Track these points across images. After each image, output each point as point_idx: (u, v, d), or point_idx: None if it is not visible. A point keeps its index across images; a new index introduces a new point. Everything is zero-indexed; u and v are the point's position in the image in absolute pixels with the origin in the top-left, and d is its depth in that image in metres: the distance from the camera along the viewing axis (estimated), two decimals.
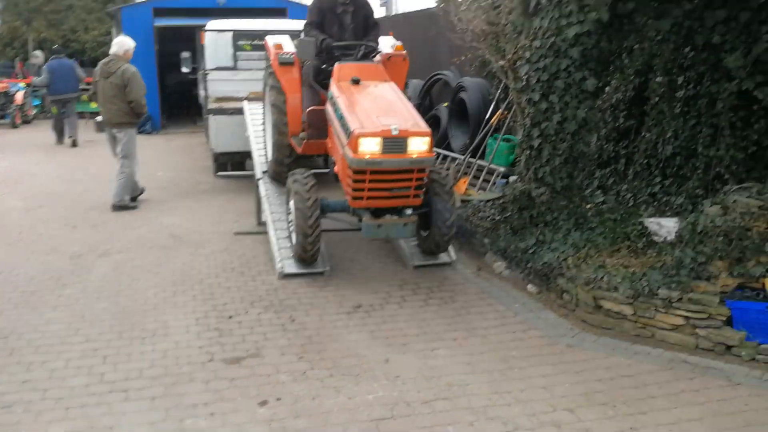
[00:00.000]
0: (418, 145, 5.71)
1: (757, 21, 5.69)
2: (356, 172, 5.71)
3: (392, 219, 5.96)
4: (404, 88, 7.09)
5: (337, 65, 6.47)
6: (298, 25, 11.68)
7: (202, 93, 10.61)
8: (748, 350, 4.74)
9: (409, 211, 6.06)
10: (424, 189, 6.10)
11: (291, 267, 6.41)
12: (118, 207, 8.97)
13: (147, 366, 4.68)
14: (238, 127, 9.78)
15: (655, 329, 5.08)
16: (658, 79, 7.01)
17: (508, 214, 6.66)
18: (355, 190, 5.82)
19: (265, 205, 7.55)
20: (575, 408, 4.16)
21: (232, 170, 10.82)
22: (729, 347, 4.81)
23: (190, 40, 14.69)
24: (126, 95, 8.84)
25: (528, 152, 6.40)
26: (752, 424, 3.97)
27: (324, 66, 6.78)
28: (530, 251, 6.11)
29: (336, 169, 6.35)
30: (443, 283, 6.21)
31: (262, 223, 7.83)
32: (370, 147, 5.61)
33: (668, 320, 5.02)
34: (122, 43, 9.13)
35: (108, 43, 19.75)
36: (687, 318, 4.95)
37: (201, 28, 11.22)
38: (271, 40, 7.67)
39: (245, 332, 5.22)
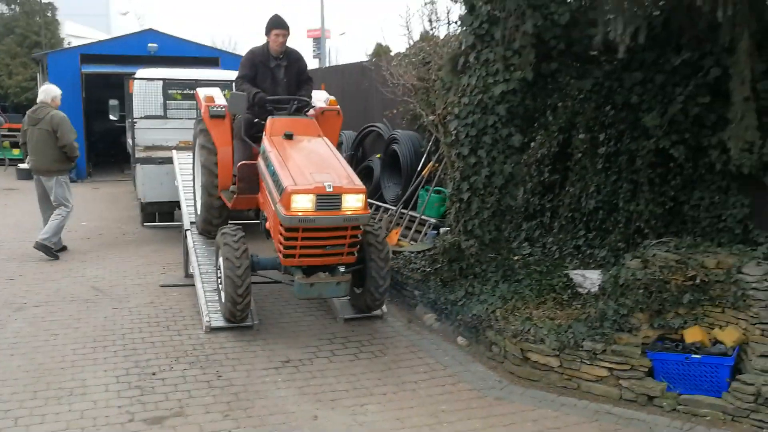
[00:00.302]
0: (353, 202, 5.63)
1: (672, 83, 6.01)
2: (288, 229, 5.58)
3: (325, 278, 5.82)
4: (338, 143, 7.12)
5: (269, 119, 6.39)
6: (231, 74, 11.75)
7: (130, 141, 10.44)
8: (669, 401, 4.86)
9: (342, 268, 5.93)
10: (358, 246, 5.99)
11: (218, 320, 6.26)
12: (41, 246, 8.72)
13: (62, 428, 4.45)
14: (167, 176, 9.64)
15: (580, 381, 5.16)
16: (581, 135, 7.29)
17: (439, 266, 6.73)
18: (286, 248, 5.68)
19: (193, 257, 7.40)
20: None
21: (160, 220, 10.60)
22: (651, 398, 4.92)
23: (119, 87, 14.48)
24: (57, 140, 8.72)
25: (457, 205, 6.51)
26: None
27: (256, 120, 6.70)
28: (460, 303, 6.16)
29: (267, 225, 6.21)
30: (374, 337, 6.18)
31: (189, 275, 7.65)
32: (303, 204, 5.51)
33: (593, 372, 5.11)
34: (49, 91, 9.08)
35: (32, 89, 19.38)
36: (611, 369, 5.05)
37: (130, 76, 11.12)
38: (202, 93, 7.57)
39: (168, 390, 5.04)
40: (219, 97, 7.38)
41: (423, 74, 9.61)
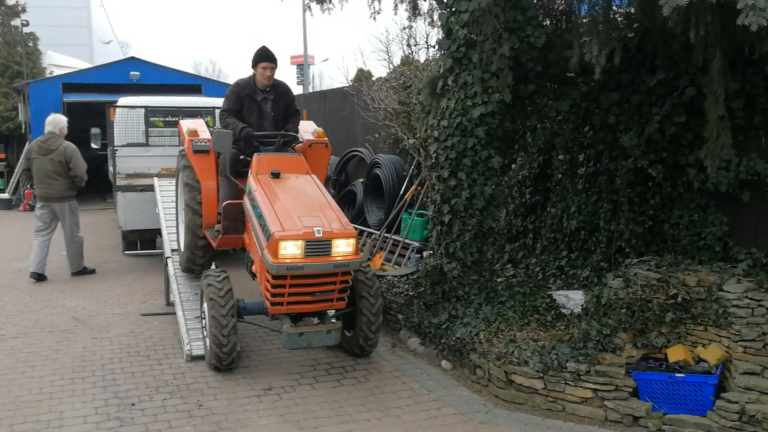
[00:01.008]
0: (343, 247, 5.42)
1: (648, 103, 6.08)
2: (276, 277, 5.33)
3: (315, 327, 5.55)
4: (326, 180, 6.87)
5: (256, 156, 6.14)
6: (213, 102, 11.77)
7: (111, 169, 10.38)
8: (654, 421, 4.83)
9: (331, 313, 5.77)
10: (348, 291, 5.75)
11: (199, 349, 6.17)
12: (77, 273, 9.41)
13: None
14: (148, 204, 9.58)
15: (565, 402, 5.12)
16: (560, 156, 7.34)
17: (422, 290, 6.70)
18: (273, 295, 5.42)
19: (174, 285, 7.33)
20: None
21: (142, 248, 10.51)
22: (636, 418, 4.90)
23: (101, 115, 14.46)
24: (70, 171, 9.10)
25: (439, 228, 6.50)
26: None
27: (242, 156, 6.45)
28: (443, 326, 6.13)
29: (254, 269, 5.98)
30: (357, 362, 6.12)
31: (170, 303, 7.57)
32: (291, 251, 5.26)
33: (577, 393, 5.08)
34: (57, 122, 9.35)
35: (14, 119, 19.28)
36: (595, 390, 5.03)
37: (112, 104, 11.09)
38: (185, 125, 7.32)
39: (148, 421, 4.95)
40: (203, 131, 7.15)
41: (404, 98, 9.68)
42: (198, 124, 7.35)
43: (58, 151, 9.05)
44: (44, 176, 9.11)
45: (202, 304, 6.01)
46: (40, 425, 4.86)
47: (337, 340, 5.68)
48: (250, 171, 6.14)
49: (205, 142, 6.88)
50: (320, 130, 7.25)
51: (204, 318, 5.92)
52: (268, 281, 5.42)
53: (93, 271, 9.58)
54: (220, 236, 6.45)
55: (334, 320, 5.78)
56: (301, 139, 6.87)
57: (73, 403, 5.24)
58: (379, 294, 6.00)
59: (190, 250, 7.12)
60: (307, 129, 7.22)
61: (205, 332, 5.93)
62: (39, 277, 9.12)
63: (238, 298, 5.90)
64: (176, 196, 7.98)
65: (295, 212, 5.53)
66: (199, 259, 7.11)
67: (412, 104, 9.32)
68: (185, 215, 7.12)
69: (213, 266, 6.33)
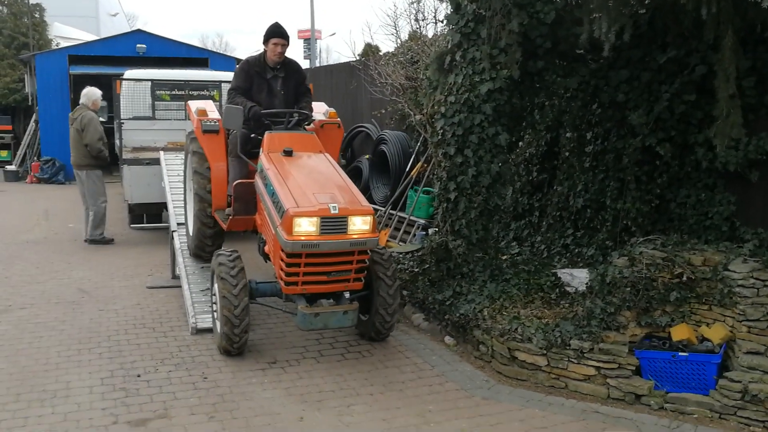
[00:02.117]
0: (360, 225, 5.24)
1: (657, 81, 6.02)
2: (290, 255, 5.15)
3: (331, 307, 5.35)
4: (339, 157, 6.72)
5: (267, 134, 5.98)
6: (220, 75, 11.72)
7: (117, 142, 10.38)
8: (656, 399, 4.85)
9: (347, 295, 5.55)
10: (365, 272, 5.58)
11: (205, 322, 6.21)
12: (92, 241, 9.72)
13: (44, 431, 4.39)
14: (155, 177, 9.58)
15: (568, 380, 5.14)
16: (568, 134, 7.29)
17: (427, 266, 6.70)
18: (288, 275, 5.24)
19: (180, 258, 7.35)
20: None
21: (148, 222, 10.54)
22: (639, 396, 4.91)
23: (107, 88, 14.44)
24: (82, 139, 9.52)
25: (445, 205, 6.49)
26: None
27: (252, 135, 6.26)
28: (447, 303, 6.14)
29: (266, 249, 5.81)
30: (361, 336, 6.14)
31: (176, 277, 7.61)
32: (306, 228, 5.09)
33: (580, 371, 5.09)
34: (90, 95, 9.82)
35: (20, 90, 19.24)
36: (598, 368, 5.04)
37: (119, 77, 11.06)
38: (193, 105, 7.13)
39: (153, 392, 5.00)
40: (212, 111, 6.98)
41: (411, 73, 9.62)
42: (207, 104, 7.18)
43: (77, 120, 9.54)
44: (70, 144, 9.77)
45: (213, 284, 5.81)
46: (46, 395, 4.91)
47: (354, 321, 5.49)
48: (261, 150, 5.99)
49: (215, 122, 6.71)
50: (332, 110, 7.09)
51: (214, 299, 5.75)
52: (282, 260, 5.24)
53: (111, 241, 9.83)
54: (230, 218, 6.30)
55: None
56: (313, 119, 6.70)
57: (79, 374, 5.28)
58: (396, 275, 5.82)
59: (199, 239, 7.01)
60: (319, 110, 7.02)
61: (215, 315, 5.74)
62: (93, 242, 9.69)
63: (251, 279, 5.67)
64: (184, 179, 7.84)
65: (310, 189, 5.35)
66: (208, 247, 6.98)
67: (420, 80, 9.26)
68: (194, 204, 6.98)
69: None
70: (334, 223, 5.16)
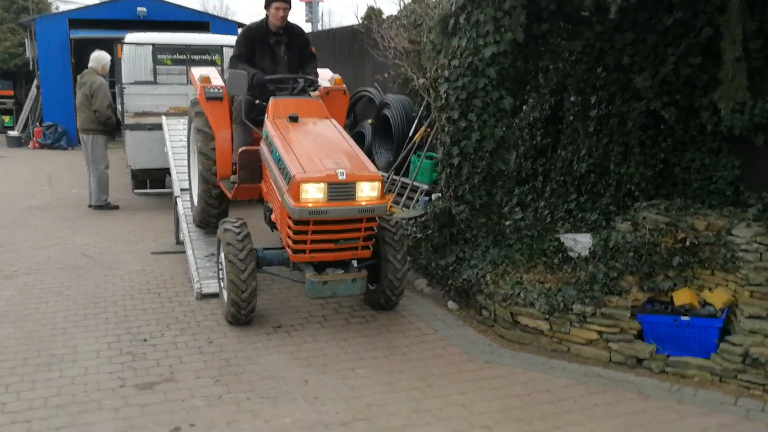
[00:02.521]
0: (368, 191, 5.16)
1: (663, 43, 5.94)
2: (297, 222, 5.10)
3: (340, 275, 5.31)
4: (345, 124, 6.60)
5: (272, 100, 5.90)
6: (221, 39, 11.60)
7: (119, 107, 10.33)
8: (657, 363, 4.89)
9: (355, 263, 5.49)
10: (373, 240, 5.50)
11: (209, 287, 6.25)
12: (97, 207, 9.79)
13: (53, 394, 4.46)
14: (157, 142, 9.56)
15: (570, 344, 5.18)
16: (572, 98, 7.23)
17: (430, 232, 6.70)
18: (296, 242, 5.20)
19: (183, 224, 7.37)
20: (493, 425, 4.18)
21: (151, 187, 10.54)
22: (640, 360, 4.95)
23: (109, 52, 14.36)
24: (91, 105, 9.58)
25: (448, 170, 6.46)
26: None
27: (257, 101, 6.18)
28: (450, 268, 6.16)
29: (273, 217, 5.73)
30: (365, 302, 6.16)
31: (180, 242, 7.64)
32: (313, 194, 5.02)
33: (582, 335, 5.13)
34: (99, 59, 9.91)
35: (21, 55, 19.10)
36: (600, 332, 5.07)
37: (120, 41, 10.96)
38: (196, 72, 6.98)
39: (159, 356, 5.05)
40: (215, 77, 6.86)
41: (414, 37, 9.51)
42: (210, 71, 7.06)
43: (86, 84, 9.62)
44: (77, 108, 9.89)
45: (219, 253, 5.76)
46: (54, 359, 4.97)
47: (363, 289, 5.43)
48: (266, 116, 5.92)
49: (218, 89, 6.60)
50: (338, 77, 6.99)
51: (221, 267, 5.69)
52: (289, 227, 5.18)
53: (116, 207, 9.86)
54: (236, 186, 6.20)
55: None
56: (319, 85, 6.59)
57: (86, 338, 5.34)
58: (403, 240, 5.76)
59: (204, 201, 6.86)
60: (324, 76, 6.92)
61: (222, 283, 5.68)
62: (98, 207, 9.77)
63: (257, 247, 5.64)
64: (188, 146, 7.74)
65: (316, 155, 5.27)
66: (214, 209, 6.85)
67: (423, 43, 9.15)
68: (198, 163, 6.86)
69: None
70: (341, 190, 5.09)
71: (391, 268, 5.66)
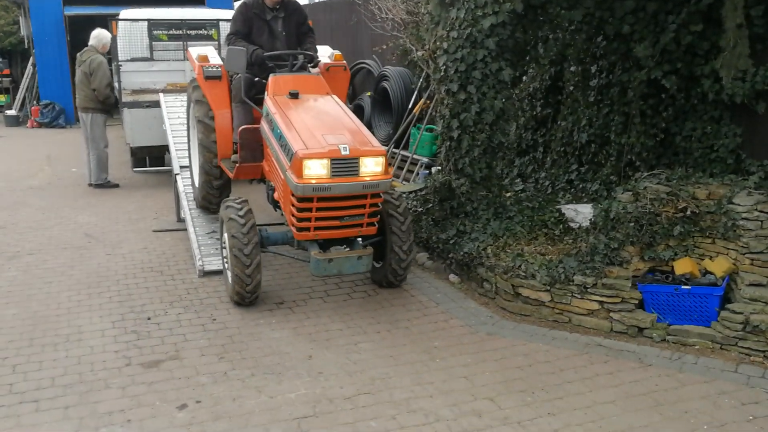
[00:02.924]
0: (372, 167, 5.09)
1: (664, 12, 5.88)
2: (301, 200, 5.03)
3: (345, 252, 5.25)
4: (346, 101, 6.53)
5: (272, 77, 5.82)
6: (217, 13, 11.49)
7: (116, 85, 10.26)
8: (658, 332, 4.92)
9: (359, 241, 5.45)
10: (378, 216, 5.45)
11: (212, 264, 6.27)
12: (97, 186, 9.78)
13: (60, 374, 4.50)
14: (155, 120, 9.51)
15: (571, 314, 5.21)
16: (572, 68, 7.18)
17: (430, 206, 6.70)
18: (300, 220, 5.13)
19: (184, 201, 7.37)
20: (495, 396, 4.22)
21: (151, 165, 10.53)
22: (641, 329, 4.99)
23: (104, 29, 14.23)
24: (90, 83, 9.55)
25: (448, 143, 6.44)
26: (662, 404, 4.12)
27: (257, 79, 6.11)
28: (451, 242, 6.17)
29: (276, 195, 5.67)
30: (366, 276, 6.19)
31: (181, 220, 7.65)
32: (316, 170, 4.95)
33: (584, 305, 5.16)
34: (100, 37, 9.86)
35: (15, 33, 18.94)
36: (601, 303, 5.10)
37: (114, 17, 10.85)
38: (194, 52, 6.85)
39: (164, 334, 5.09)
40: (213, 56, 6.72)
41: (412, 8, 9.41)
42: (208, 50, 6.93)
43: (86, 62, 9.59)
44: (76, 86, 9.87)
45: (221, 235, 5.73)
46: (59, 339, 5.01)
47: (369, 266, 5.36)
48: (266, 93, 5.84)
49: (217, 68, 6.48)
50: (338, 53, 6.89)
51: (224, 253, 5.64)
52: (293, 205, 5.11)
53: (116, 186, 9.87)
54: (237, 166, 6.14)
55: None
56: (319, 60, 6.52)
57: (90, 317, 5.37)
58: (408, 212, 5.70)
59: (206, 190, 6.83)
60: (324, 53, 6.85)
61: (226, 264, 5.63)
62: (99, 186, 9.76)
63: (261, 227, 5.60)
64: (188, 130, 7.65)
65: (318, 131, 5.20)
66: (215, 198, 6.80)
67: (421, 14, 9.06)
68: (199, 154, 6.78)
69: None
70: (345, 165, 5.01)
71: (396, 240, 5.60)
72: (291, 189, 5.06)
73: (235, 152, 6.22)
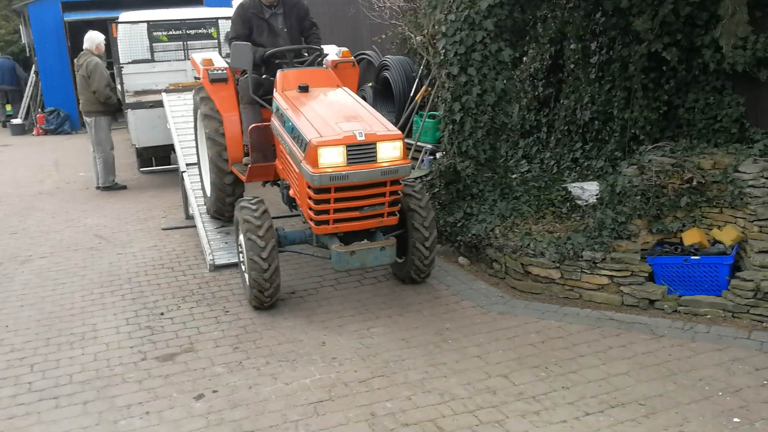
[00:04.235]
0: (390, 151, 4.88)
1: None
2: (318, 191, 4.83)
3: (367, 243, 5.01)
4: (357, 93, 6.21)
5: (280, 73, 5.68)
6: (216, 12, 11.49)
7: (119, 87, 10.30)
8: (670, 303, 4.92)
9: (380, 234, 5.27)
10: (399, 205, 5.26)
11: (222, 258, 6.32)
12: (105, 188, 9.82)
13: (77, 371, 4.55)
14: (159, 120, 9.55)
15: (582, 290, 5.22)
16: (572, 46, 7.16)
17: (436, 190, 6.70)
18: (318, 213, 4.92)
19: (192, 198, 7.41)
20: (509, 373, 4.25)
21: (157, 165, 10.58)
22: (652, 302, 5.00)
23: (103, 33, 14.27)
24: (89, 86, 9.57)
25: (450, 126, 6.44)
26: (675, 373, 4.13)
27: (264, 76, 5.96)
28: (459, 225, 6.18)
29: (291, 192, 5.44)
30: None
31: (190, 217, 7.69)
32: (332, 158, 4.74)
33: (594, 280, 5.17)
34: (92, 39, 9.89)
35: (17, 42, 19.02)
36: (611, 277, 5.11)
37: (114, 21, 10.88)
38: (198, 57, 6.69)
39: (178, 328, 5.14)
40: (218, 60, 6.57)
41: None
42: (212, 55, 6.82)
43: (83, 66, 9.58)
44: (78, 91, 9.92)
45: (237, 237, 5.50)
46: (75, 337, 5.06)
47: (393, 258, 5.13)
48: (275, 90, 5.70)
49: (222, 70, 6.30)
50: (345, 49, 6.71)
51: (241, 249, 5.38)
52: (309, 198, 4.91)
53: (124, 188, 9.90)
54: (249, 167, 5.92)
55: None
56: (326, 54, 6.36)
57: (104, 316, 5.43)
58: (430, 207, 5.49)
59: (217, 189, 6.53)
60: (331, 51, 6.65)
61: (243, 269, 5.41)
62: (107, 188, 9.78)
63: (278, 227, 5.42)
64: (195, 139, 7.45)
65: (332, 119, 5.03)
66: (228, 197, 6.53)
67: (418, 0, 9.05)
68: (208, 150, 6.51)
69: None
70: (361, 151, 4.81)
71: (418, 236, 5.39)
72: (307, 180, 4.87)
73: (246, 154, 6.09)
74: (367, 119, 5.10)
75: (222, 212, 6.77)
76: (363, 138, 4.80)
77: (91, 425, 3.93)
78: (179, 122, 8.71)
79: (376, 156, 4.85)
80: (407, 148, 9.40)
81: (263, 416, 3.92)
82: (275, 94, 5.68)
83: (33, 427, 3.94)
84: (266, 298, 5.19)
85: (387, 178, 4.91)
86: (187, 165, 7.93)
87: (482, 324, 4.96)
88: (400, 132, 5.06)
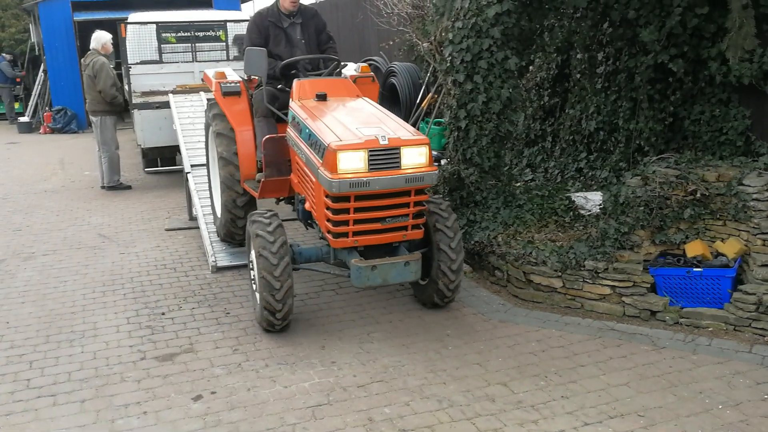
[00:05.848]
0: (415, 157, 4.53)
1: None
2: (336, 199, 4.49)
3: (390, 258, 4.65)
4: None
5: (296, 82, 5.41)
6: (225, 15, 11.55)
7: (126, 87, 10.35)
8: (671, 315, 4.91)
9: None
10: (424, 217, 4.91)
11: (224, 260, 6.32)
12: (110, 188, 9.84)
13: (76, 369, 4.55)
14: (165, 121, 9.59)
15: (583, 300, 5.21)
16: (579, 56, 7.17)
17: (440, 197, 6.70)
18: (336, 224, 4.58)
19: (196, 199, 7.42)
20: (509, 381, 4.23)
21: (162, 166, 10.61)
22: (654, 313, 4.98)
23: (113, 34, 14.34)
24: (96, 85, 9.62)
25: (456, 133, 6.44)
26: (675, 385, 4.11)
27: (279, 87, 5.76)
28: (462, 232, 6.16)
29: (308, 205, 5.04)
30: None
31: (193, 218, 7.71)
32: (352, 163, 4.40)
33: (596, 290, 5.15)
34: (99, 39, 9.97)
35: (26, 41, 19.12)
36: (613, 287, 5.10)
37: (123, 21, 10.94)
38: (210, 72, 6.42)
39: (178, 328, 5.14)
40: (231, 74, 6.34)
41: (417, 2, 9.43)
42: (225, 69, 6.53)
43: (90, 65, 9.65)
44: (84, 91, 10.05)
45: (249, 253, 5.12)
46: (75, 335, 5.06)
47: (418, 275, 4.71)
48: (291, 99, 5.41)
49: (236, 83, 6.06)
50: (364, 65, 6.56)
51: (252, 274, 5.08)
52: (328, 208, 4.58)
53: (129, 187, 9.93)
54: (262, 182, 5.62)
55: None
56: (345, 65, 6.25)
57: (105, 314, 5.43)
58: (458, 227, 5.11)
59: (229, 211, 6.18)
60: (348, 68, 6.45)
61: (254, 287, 5.06)
62: (111, 188, 9.81)
63: (293, 243, 5.06)
64: (207, 157, 7.08)
65: (352, 124, 4.72)
66: (240, 220, 6.18)
67: (426, 7, 9.09)
68: (220, 170, 6.20)
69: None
70: (384, 156, 4.46)
71: (444, 258, 5.00)
72: (324, 188, 4.52)
73: (260, 170, 5.79)
74: (390, 125, 4.79)
75: (233, 235, 6.43)
76: (386, 142, 4.47)
77: (89, 423, 3.92)
78: (185, 123, 8.75)
79: (400, 162, 4.51)
80: None
81: (261, 419, 3.91)
82: (291, 103, 5.40)
83: (30, 424, 3.93)
84: (278, 321, 4.81)
85: (412, 186, 4.57)
86: (192, 166, 7.95)
87: (483, 331, 4.95)
88: (425, 137, 4.74)
